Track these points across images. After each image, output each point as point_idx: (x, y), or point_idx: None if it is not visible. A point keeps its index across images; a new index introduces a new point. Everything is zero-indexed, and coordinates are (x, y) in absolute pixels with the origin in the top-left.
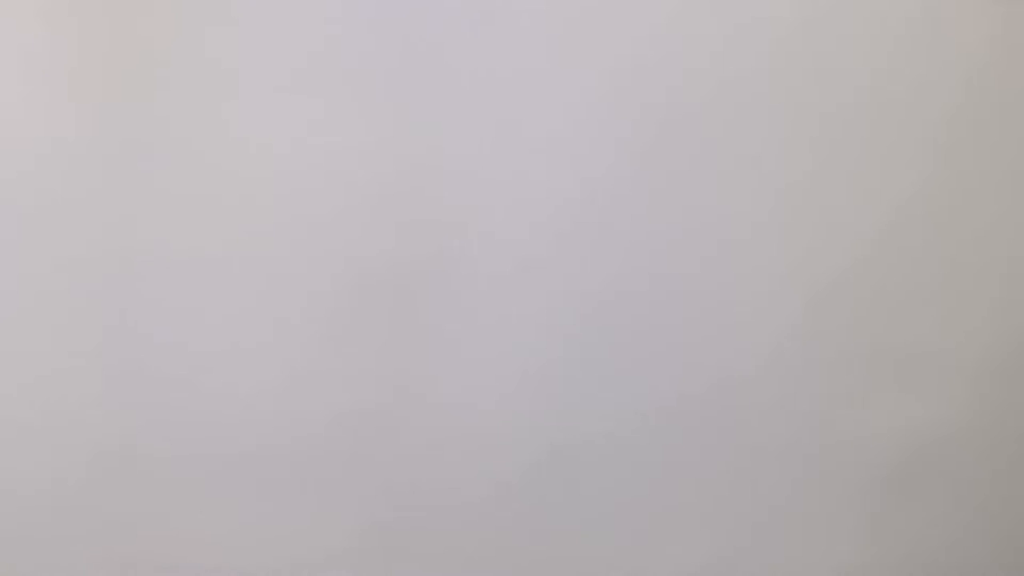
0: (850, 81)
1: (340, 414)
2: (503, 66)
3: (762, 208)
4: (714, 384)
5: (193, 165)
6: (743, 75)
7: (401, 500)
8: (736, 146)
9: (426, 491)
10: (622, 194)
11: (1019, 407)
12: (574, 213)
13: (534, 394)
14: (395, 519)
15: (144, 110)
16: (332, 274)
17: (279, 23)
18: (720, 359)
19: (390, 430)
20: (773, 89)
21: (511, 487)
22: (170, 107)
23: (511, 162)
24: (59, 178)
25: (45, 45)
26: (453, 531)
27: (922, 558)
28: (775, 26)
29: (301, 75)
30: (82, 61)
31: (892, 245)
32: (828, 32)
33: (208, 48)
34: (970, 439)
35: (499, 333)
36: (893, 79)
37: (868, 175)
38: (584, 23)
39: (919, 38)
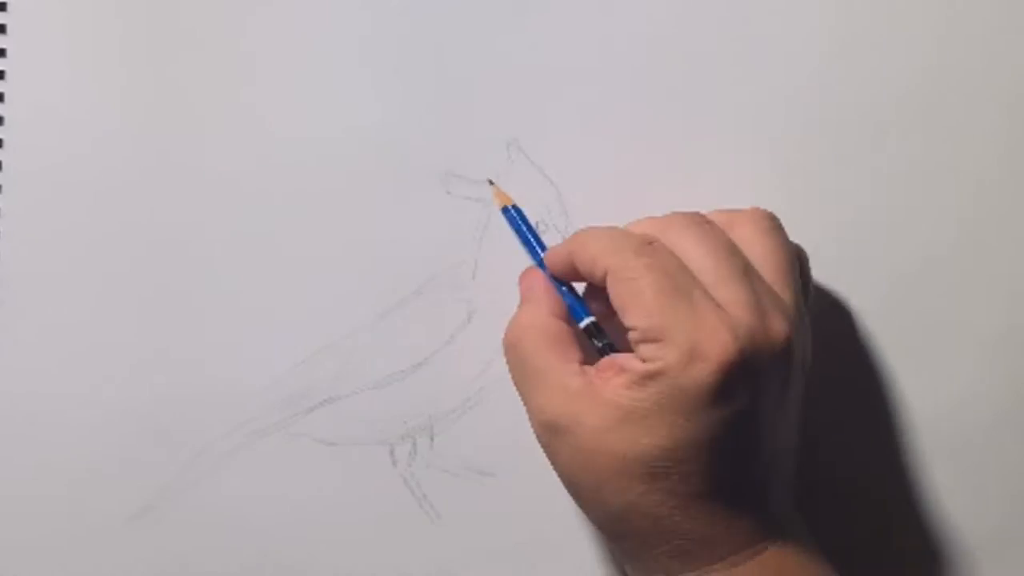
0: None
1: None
2: (531, 46)
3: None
4: None
5: (219, 148)
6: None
7: None
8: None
9: None
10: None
11: None
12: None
13: None
14: None
15: (171, 94)
16: (364, 255)
17: (303, 5)
18: None
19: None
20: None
21: None
22: (197, 90)
23: (540, 143)
24: (87, 164)
25: (95, 33)
26: None
27: (945, 527)
28: None
29: (328, 57)
30: (128, 49)
31: (912, 226)
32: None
33: (234, 30)
34: (993, 416)
35: None
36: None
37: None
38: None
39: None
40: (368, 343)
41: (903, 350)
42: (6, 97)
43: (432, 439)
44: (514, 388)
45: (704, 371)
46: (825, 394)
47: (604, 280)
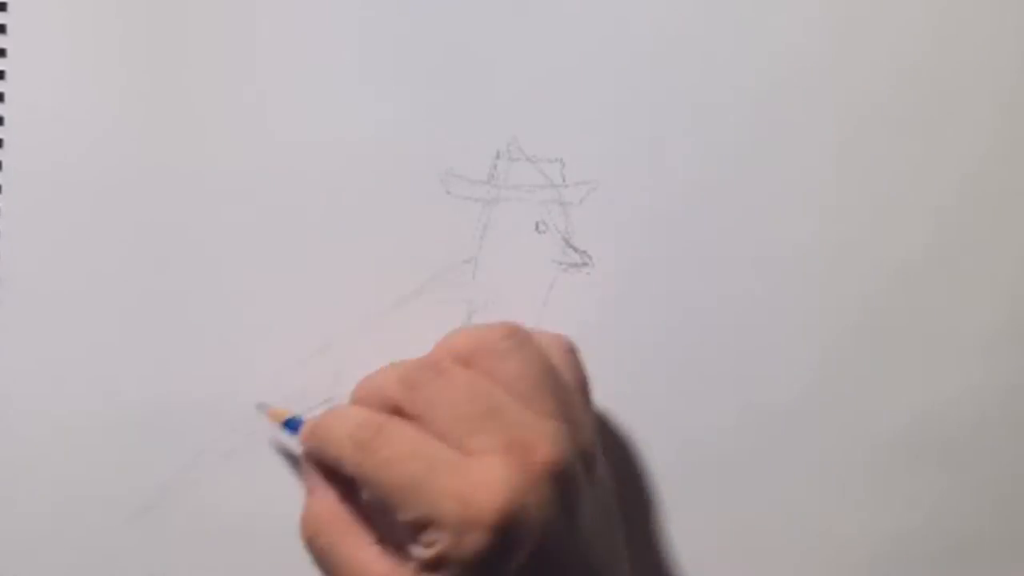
0: (873, 81)
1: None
2: (531, 45)
3: (787, 192)
4: (733, 351)
5: (219, 148)
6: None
7: None
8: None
9: None
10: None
11: None
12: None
13: None
14: None
15: (171, 94)
16: (364, 255)
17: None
18: (742, 328)
19: None
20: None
21: None
22: (197, 90)
23: (540, 143)
24: (87, 165)
25: (95, 32)
26: None
27: (936, 530)
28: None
29: (327, 57)
30: (129, 48)
31: (908, 221)
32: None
33: (234, 31)
34: (986, 414)
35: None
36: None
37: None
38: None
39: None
40: (368, 343)
41: (896, 349)
42: (6, 97)
43: None
44: None
45: (480, 537)
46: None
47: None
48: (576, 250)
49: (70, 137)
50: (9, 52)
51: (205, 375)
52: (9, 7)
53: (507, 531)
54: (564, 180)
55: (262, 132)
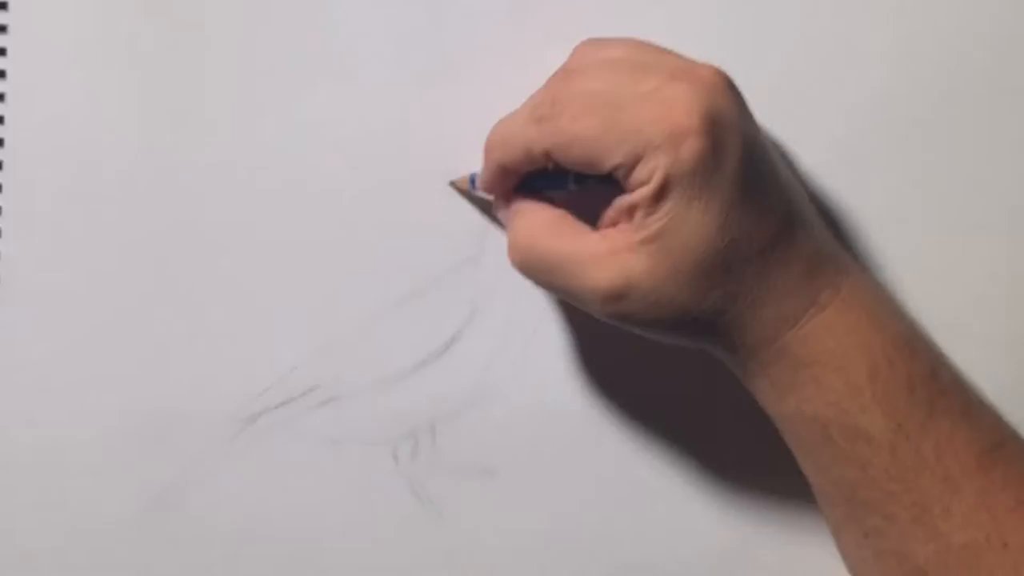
0: (866, 70)
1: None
2: (532, 45)
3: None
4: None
5: (219, 148)
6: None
7: None
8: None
9: None
10: None
11: None
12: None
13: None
14: None
15: (171, 94)
16: (365, 255)
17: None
18: None
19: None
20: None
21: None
22: (197, 90)
23: None
24: (88, 164)
25: (96, 30)
26: None
27: None
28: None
29: (328, 58)
30: (129, 46)
31: (923, 220)
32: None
33: (235, 31)
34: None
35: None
36: (903, 68)
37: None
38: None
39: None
40: (370, 342)
41: None
42: (6, 97)
43: (434, 438)
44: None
45: (696, 143)
46: None
47: (547, 158)
48: None
49: (70, 137)
50: (10, 52)
51: (205, 376)
52: (10, 6)
53: (715, 130)
54: None
55: (262, 133)
